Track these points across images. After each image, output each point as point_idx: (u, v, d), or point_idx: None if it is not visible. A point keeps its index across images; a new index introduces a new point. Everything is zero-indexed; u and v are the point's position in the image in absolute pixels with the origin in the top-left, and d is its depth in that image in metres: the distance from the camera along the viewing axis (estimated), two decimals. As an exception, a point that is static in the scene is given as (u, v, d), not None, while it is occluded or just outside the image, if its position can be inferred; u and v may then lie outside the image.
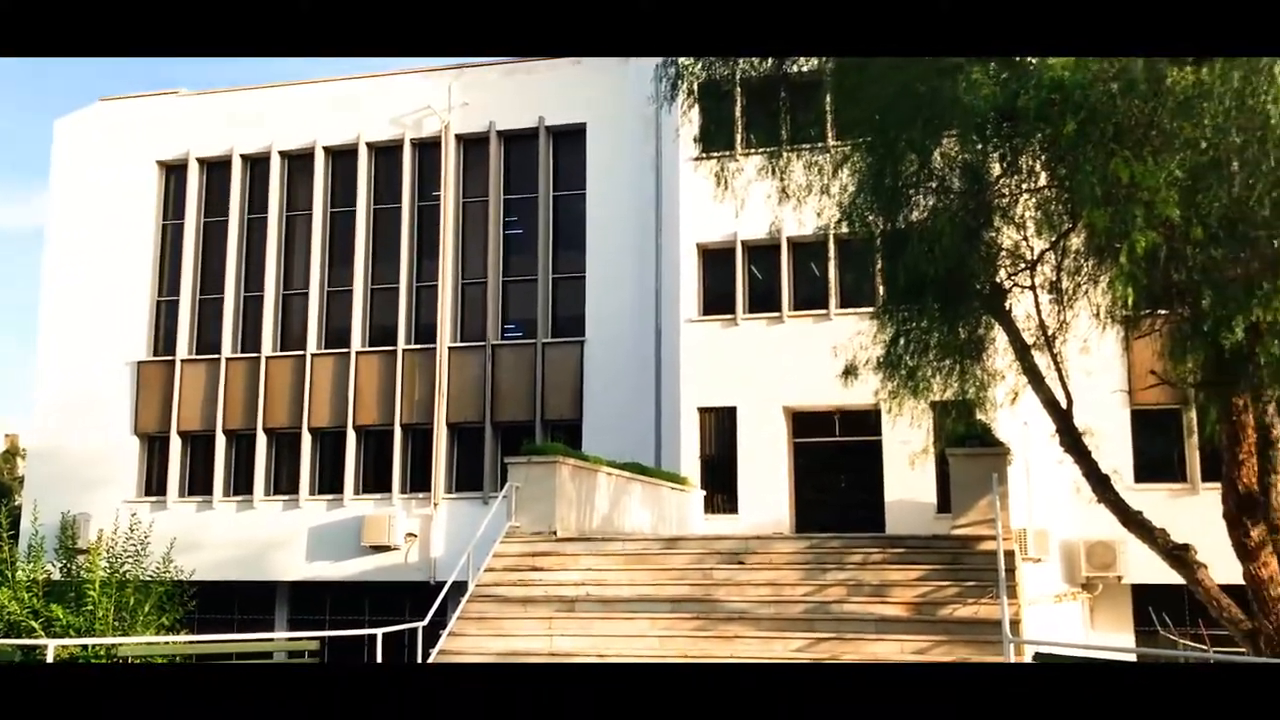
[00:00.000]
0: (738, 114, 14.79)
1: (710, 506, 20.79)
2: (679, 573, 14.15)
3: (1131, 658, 16.82)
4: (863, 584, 13.29)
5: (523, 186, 24.21)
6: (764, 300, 21.36)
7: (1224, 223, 9.00)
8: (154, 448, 25.32)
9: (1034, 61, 10.23)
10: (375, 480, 23.85)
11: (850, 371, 13.88)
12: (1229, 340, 8.96)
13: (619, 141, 23.28)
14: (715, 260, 21.71)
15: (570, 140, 23.99)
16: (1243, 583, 11.29)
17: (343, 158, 25.18)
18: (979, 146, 10.81)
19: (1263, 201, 8.63)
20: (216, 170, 25.91)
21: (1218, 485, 11.72)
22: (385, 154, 24.99)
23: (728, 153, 14.53)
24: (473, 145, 24.51)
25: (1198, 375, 11.59)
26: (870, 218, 12.15)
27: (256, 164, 25.67)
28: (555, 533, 15.23)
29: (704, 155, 14.98)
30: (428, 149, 24.66)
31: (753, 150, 14.28)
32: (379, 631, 13.02)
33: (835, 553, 14.15)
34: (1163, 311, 11.81)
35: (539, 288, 23.61)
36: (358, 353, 24.26)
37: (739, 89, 13.84)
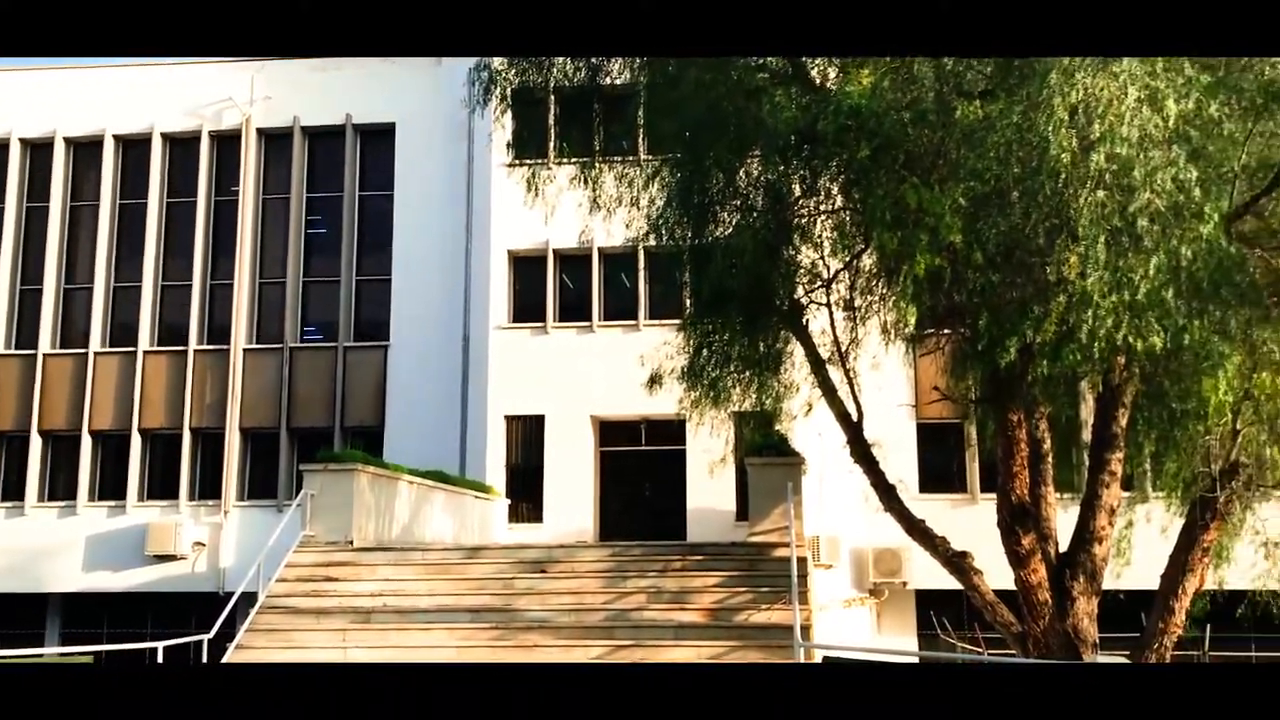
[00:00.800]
0: (551, 122, 14.81)
1: (515, 515, 20.70)
2: (480, 582, 14.02)
3: (914, 660, 17.69)
4: (662, 591, 13.48)
5: (327, 185, 23.53)
6: (574, 309, 21.43)
7: (1002, 249, 9.55)
8: (-89, 450, 23.36)
9: (833, 88, 10.66)
10: (161, 486, 22.66)
11: (655, 381, 14.08)
12: (1003, 359, 9.50)
13: (430, 143, 22.93)
14: (526, 267, 21.65)
15: (379, 139, 23.47)
16: (1015, 588, 11.98)
17: (134, 147, 23.88)
18: (781, 167, 11.14)
19: (1038, 230, 9.20)
20: (-9, 154, 24.14)
21: (995, 495, 12.41)
22: (181, 145, 23.84)
23: (540, 160, 14.52)
24: (275, 140, 23.66)
25: (976, 391, 12.28)
26: (678, 232, 12.36)
27: (38, 149, 24.05)
28: (352, 542, 14.85)
29: (516, 161, 14.94)
30: (227, 142, 23.67)
31: (565, 159, 14.32)
32: (159, 645, 12.40)
33: (637, 560, 14.30)
34: (946, 331, 12.47)
35: (342, 289, 22.99)
36: (145, 352, 23.02)
37: (552, 97, 13.85)
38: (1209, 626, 15.59)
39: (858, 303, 12.86)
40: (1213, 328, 9.34)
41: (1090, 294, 8.41)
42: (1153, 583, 12.27)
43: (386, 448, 21.32)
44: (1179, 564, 11.87)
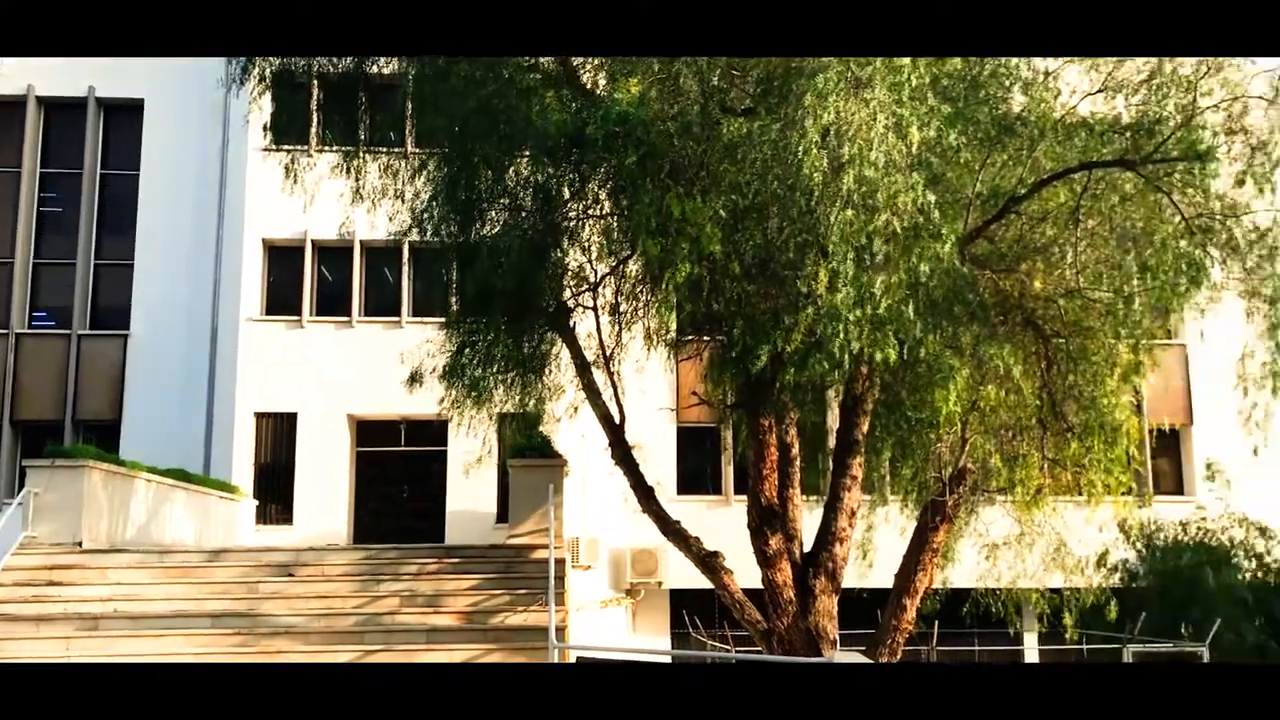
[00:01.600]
0: (313, 107, 14.28)
1: (263, 517, 19.86)
2: (222, 586, 13.38)
3: (666, 659, 18.10)
4: (417, 594, 13.25)
5: (66, 160, 21.85)
6: (333, 303, 20.77)
7: (758, 261, 9.91)
8: None
9: (603, 94, 10.76)
10: None
11: (415, 379, 13.81)
12: (755, 367, 9.85)
13: (182, 123, 21.67)
14: (282, 257, 20.81)
15: (125, 116, 22.01)
16: (762, 587, 12.44)
17: None
18: (550, 169, 11.15)
19: (789, 245, 9.59)
20: None
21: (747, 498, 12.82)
22: (-108, 107, 21.62)
23: (300, 147, 13.98)
24: (6, 109, 21.78)
25: (731, 397, 12.68)
26: (444, 228, 12.16)
27: None
28: (81, 543, 13.88)
29: (274, 146, 14.33)
30: (-51, 107, 21.64)
31: (327, 147, 13.84)
32: None
33: (391, 563, 13.99)
34: (705, 338, 12.83)
35: (78, 273, 21.40)
36: None
37: (315, 82, 13.36)
38: (936, 623, 16.71)
39: (623, 307, 13.02)
40: (946, 343, 10.00)
41: (838, 308, 8.81)
42: (890, 582, 12.99)
43: (124, 444, 20.04)
44: (911, 563, 12.60)
